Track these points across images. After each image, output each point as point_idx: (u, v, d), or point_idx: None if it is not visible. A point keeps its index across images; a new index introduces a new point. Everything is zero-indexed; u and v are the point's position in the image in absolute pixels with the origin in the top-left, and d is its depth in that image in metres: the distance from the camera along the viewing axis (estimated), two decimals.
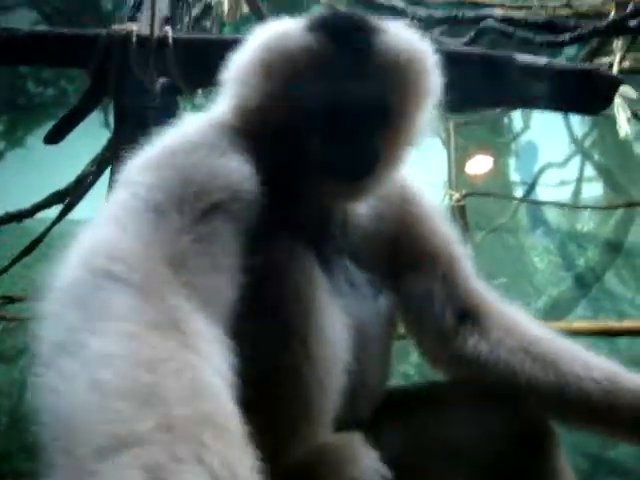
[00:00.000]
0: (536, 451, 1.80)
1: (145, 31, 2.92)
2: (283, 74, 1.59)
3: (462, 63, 2.75)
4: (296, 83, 1.58)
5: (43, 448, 0.93)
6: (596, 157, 8.32)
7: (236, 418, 1.01)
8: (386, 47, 1.60)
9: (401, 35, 1.65)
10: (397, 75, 1.62)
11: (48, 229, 4.43)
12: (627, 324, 4.73)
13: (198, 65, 2.76)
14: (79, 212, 4.25)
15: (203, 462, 0.86)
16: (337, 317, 1.51)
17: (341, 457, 1.46)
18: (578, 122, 8.07)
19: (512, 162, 8.49)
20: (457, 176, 6.43)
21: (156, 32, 2.91)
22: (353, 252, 1.77)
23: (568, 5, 4.24)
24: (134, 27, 2.91)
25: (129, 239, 1.23)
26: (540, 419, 1.82)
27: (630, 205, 7.29)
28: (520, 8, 4.19)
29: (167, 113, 2.76)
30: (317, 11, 1.84)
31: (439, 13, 4.01)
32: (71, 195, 4.00)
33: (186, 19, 3.76)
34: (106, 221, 1.30)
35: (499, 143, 8.32)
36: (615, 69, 4.02)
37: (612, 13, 4.01)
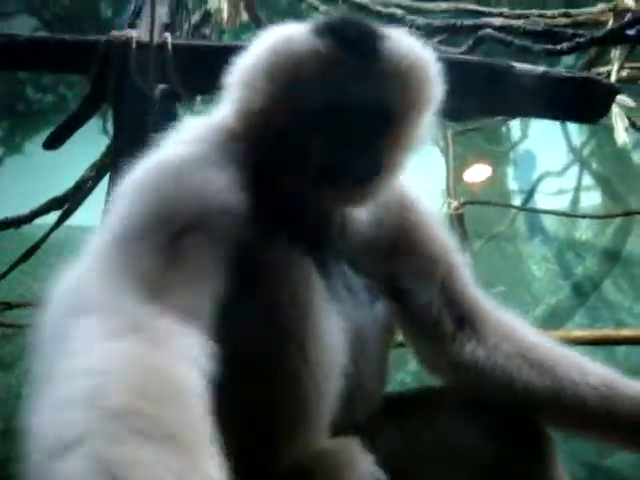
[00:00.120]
0: (533, 456, 1.80)
1: (145, 37, 2.93)
2: (288, 76, 1.60)
3: (460, 71, 2.75)
4: (301, 86, 1.59)
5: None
6: (594, 166, 8.34)
7: (189, 398, 1.06)
8: (391, 52, 1.61)
9: (405, 41, 1.67)
10: (400, 80, 1.63)
11: (46, 235, 4.44)
12: (625, 333, 4.72)
13: (197, 71, 2.77)
14: (78, 218, 4.26)
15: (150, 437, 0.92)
16: (335, 322, 1.52)
17: (338, 462, 1.46)
18: (576, 131, 8.09)
19: (510, 171, 8.50)
20: (455, 184, 6.44)
21: (155, 38, 2.92)
22: (351, 257, 1.77)
23: (566, 14, 4.24)
24: (134, 33, 2.92)
25: (101, 271, 1.30)
26: (536, 424, 1.83)
27: (628, 214, 7.30)
28: (519, 17, 4.19)
29: (166, 119, 2.77)
30: (317, 19, 1.85)
31: (437, 22, 4.02)
32: (70, 201, 4.00)
33: (185, 26, 3.77)
34: (89, 252, 1.38)
35: (497, 152, 8.33)
36: (613, 78, 4.03)
37: (610, 22, 4.03)
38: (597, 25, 4.15)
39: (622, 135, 4.13)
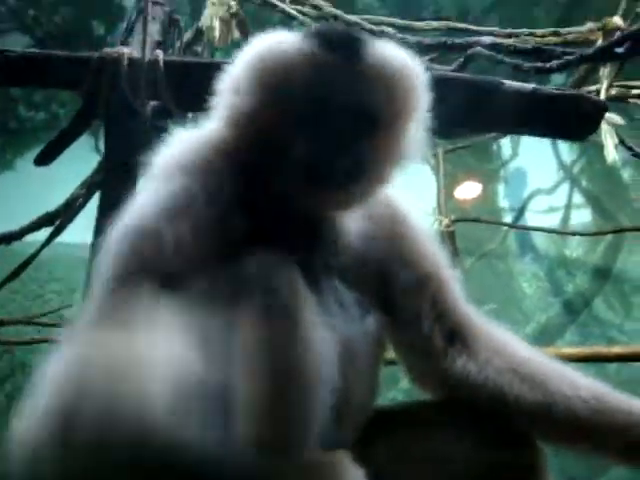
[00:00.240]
0: (523, 468, 1.80)
1: (137, 54, 2.94)
2: (276, 79, 1.63)
3: (450, 89, 2.77)
4: (288, 88, 1.62)
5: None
6: (584, 184, 8.38)
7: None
8: (376, 56, 1.65)
9: (391, 48, 1.71)
10: (385, 83, 1.65)
11: (37, 252, 4.42)
12: (616, 350, 4.72)
13: (189, 89, 2.77)
14: (68, 235, 4.24)
15: None
16: (325, 336, 1.51)
17: (327, 475, 1.46)
18: (566, 149, 8.14)
19: (501, 188, 8.54)
20: (446, 202, 6.46)
21: (147, 55, 2.93)
22: (342, 272, 1.78)
23: (556, 33, 4.27)
24: (126, 50, 2.93)
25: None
26: (526, 436, 1.82)
27: (618, 231, 7.33)
28: (509, 36, 4.22)
29: (157, 136, 2.77)
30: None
31: (428, 40, 4.05)
32: (60, 218, 3.99)
33: (178, 44, 3.79)
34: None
35: (488, 169, 8.37)
36: (602, 96, 4.05)
37: (599, 41, 4.06)
38: (586, 44, 4.18)
39: (612, 153, 4.15)
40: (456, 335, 1.90)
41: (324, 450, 1.52)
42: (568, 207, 8.16)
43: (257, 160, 1.66)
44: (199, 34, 4.29)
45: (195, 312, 1.39)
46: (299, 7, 4.47)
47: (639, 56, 3.41)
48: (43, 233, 4.40)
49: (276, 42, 1.68)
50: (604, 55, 3.42)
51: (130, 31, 3.49)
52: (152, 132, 2.80)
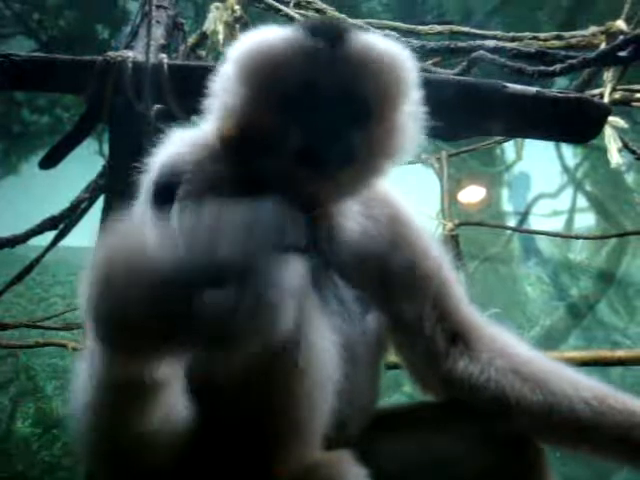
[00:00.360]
0: (523, 468, 1.80)
1: (141, 58, 2.95)
2: (263, 71, 1.67)
3: (453, 92, 2.78)
4: (275, 79, 1.66)
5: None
6: (588, 188, 8.38)
7: None
8: (361, 43, 1.68)
9: (377, 37, 1.74)
10: (371, 70, 1.68)
11: (41, 256, 4.42)
12: (620, 354, 4.70)
13: (193, 92, 2.77)
14: (72, 239, 4.25)
15: None
16: (327, 335, 1.52)
17: (330, 475, 1.46)
18: (570, 153, 8.14)
19: (505, 192, 8.54)
20: (450, 206, 6.45)
21: (152, 59, 2.93)
22: (341, 268, 1.78)
23: (559, 37, 4.27)
24: (130, 54, 2.93)
25: None
26: (528, 437, 1.82)
27: (622, 235, 7.32)
28: (512, 39, 4.22)
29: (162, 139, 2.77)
30: None
31: (432, 44, 4.05)
32: (65, 221, 3.99)
33: (182, 48, 3.79)
34: None
35: (492, 173, 8.37)
36: (606, 100, 4.05)
37: (603, 45, 4.06)
38: (590, 48, 4.18)
39: (615, 156, 4.15)
40: (458, 336, 1.91)
41: (327, 450, 1.53)
42: (572, 211, 8.16)
43: (251, 156, 1.68)
44: (203, 37, 4.29)
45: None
46: (303, 11, 4.47)
47: None
48: (47, 237, 4.41)
49: (261, 37, 1.72)
50: (607, 59, 3.42)
51: (134, 35, 3.49)
52: (156, 136, 2.80)
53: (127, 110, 2.85)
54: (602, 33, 4.22)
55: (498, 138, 5.88)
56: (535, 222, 8.13)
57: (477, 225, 6.94)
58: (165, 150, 1.77)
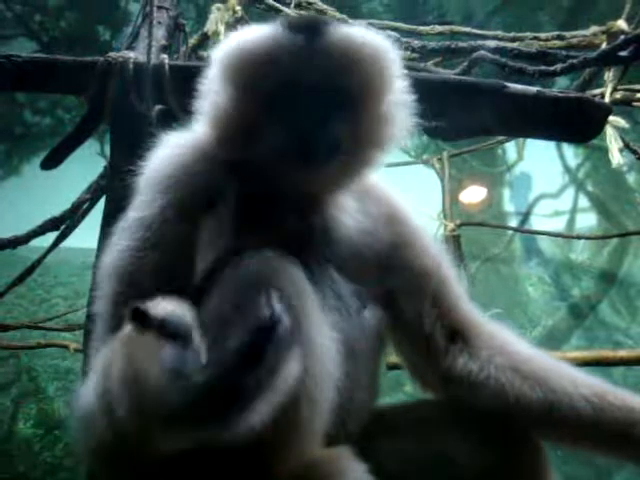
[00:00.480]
0: (524, 467, 1.80)
1: (142, 59, 2.95)
2: (246, 68, 1.69)
3: (454, 92, 2.78)
4: (258, 75, 1.68)
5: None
6: (590, 188, 8.38)
7: None
8: (341, 35, 1.70)
9: (358, 29, 1.75)
10: (351, 61, 1.69)
11: (43, 257, 4.42)
12: (622, 354, 4.71)
13: (194, 93, 2.78)
14: (74, 240, 4.25)
15: None
16: (326, 330, 1.52)
17: (330, 470, 1.47)
18: (571, 153, 8.14)
19: (506, 192, 8.54)
20: (451, 206, 6.45)
21: (153, 60, 2.94)
22: (338, 263, 1.79)
23: (560, 37, 4.27)
24: (131, 54, 2.94)
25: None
26: (528, 435, 1.83)
27: (624, 235, 7.31)
28: (513, 40, 4.22)
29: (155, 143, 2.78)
30: None
31: (433, 44, 4.05)
32: (66, 222, 3.99)
33: (183, 48, 3.79)
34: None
35: (493, 174, 8.37)
36: (607, 100, 4.05)
37: (604, 45, 4.06)
38: (591, 48, 4.18)
39: (616, 156, 4.15)
40: (457, 334, 1.91)
41: (327, 446, 1.53)
42: (573, 211, 8.16)
43: (241, 154, 1.69)
44: (205, 39, 4.30)
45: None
46: (303, 12, 4.48)
47: None
48: (49, 238, 4.41)
49: (242, 36, 1.74)
50: (608, 58, 3.42)
51: (135, 36, 3.50)
52: (157, 136, 2.80)
53: (128, 111, 2.85)
54: (603, 33, 4.22)
55: (499, 138, 5.89)
56: (536, 222, 8.13)
57: (478, 225, 6.93)
58: (157, 154, 1.80)
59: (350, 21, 4.25)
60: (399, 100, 1.78)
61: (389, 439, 1.82)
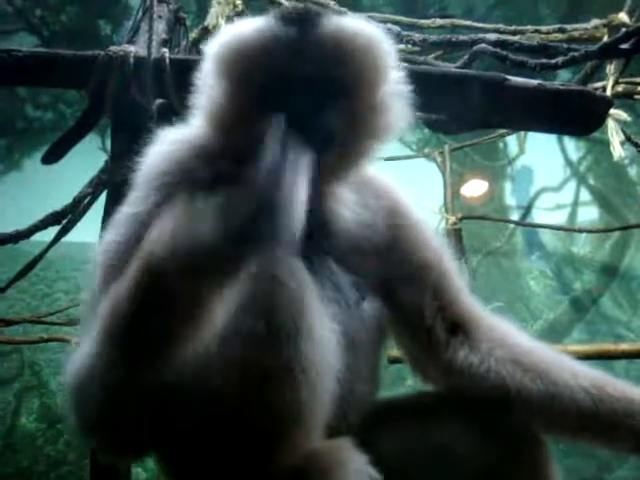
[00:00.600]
0: (524, 458, 1.80)
1: (143, 53, 2.95)
2: (240, 61, 1.69)
3: (455, 85, 2.78)
4: (252, 67, 1.68)
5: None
6: (591, 181, 8.37)
7: None
8: (334, 26, 1.69)
9: (352, 20, 1.75)
10: (343, 51, 1.69)
11: (44, 251, 4.43)
12: (624, 347, 4.73)
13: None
14: (75, 234, 4.25)
15: None
16: (326, 322, 1.53)
17: (331, 461, 1.47)
18: (573, 146, 8.14)
19: (508, 186, 8.54)
20: (453, 200, 6.45)
21: (154, 54, 2.93)
22: (337, 255, 1.79)
23: (561, 30, 4.26)
24: (132, 48, 2.93)
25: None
26: (529, 428, 1.83)
27: (626, 228, 7.31)
28: (514, 33, 4.22)
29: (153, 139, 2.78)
30: None
31: (434, 37, 4.04)
32: (67, 217, 4.00)
33: (184, 42, 3.79)
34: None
35: (495, 167, 8.37)
36: (608, 93, 4.04)
37: (605, 38, 4.05)
38: (592, 41, 4.17)
39: (618, 149, 4.14)
40: (458, 326, 1.91)
41: (329, 437, 1.54)
42: (575, 204, 8.16)
43: (237, 148, 1.69)
44: (205, 33, 4.29)
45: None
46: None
47: None
48: (50, 232, 4.41)
49: (235, 30, 1.75)
50: (609, 52, 3.40)
51: (136, 30, 3.49)
52: (157, 131, 2.80)
53: (129, 105, 2.85)
54: (604, 26, 4.21)
55: (501, 132, 5.88)
56: (538, 216, 8.14)
57: (480, 219, 6.94)
58: (153, 150, 1.80)
59: (349, 14, 4.25)
60: (394, 91, 1.78)
61: (390, 431, 1.83)
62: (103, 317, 1.44)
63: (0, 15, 7.93)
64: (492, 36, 3.76)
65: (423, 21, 4.61)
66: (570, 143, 8.05)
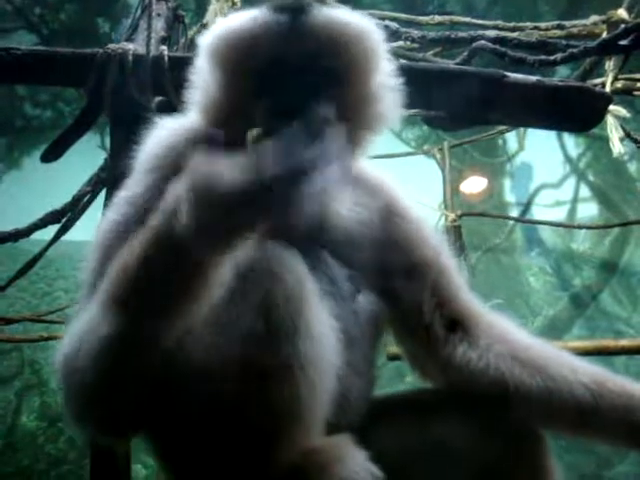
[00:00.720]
0: (524, 454, 1.80)
1: (141, 51, 2.94)
2: (233, 52, 1.72)
3: (454, 81, 2.77)
4: (244, 57, 1.71)
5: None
6: (591, 178, 8.38)
7: None
8: (324, 16, 1.72)
9: (342, 11, 1.77)
10: (334, 40, 1.71)
11: (44, 250, 4.43)
12: (623, 343, 4.73)
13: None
14: (75, 233, 4.25)
15: None
16: (325, 318, 1.53)
17: (330, 458, 1.47)
18: (572, 143, 8.14)
19: (507, 183, 8.54)
20: (452, 197, 6.46)
21: (152, 51, 2.93)
22: (332, 249, 1.79)
23: (560, 26, 4.27)
24: (130, 46, 2.93)
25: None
26: (528, 424, 1.83)
27: (625, 224, 7.32)
28: (513, 29, 4.22)
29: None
30: None
31: (432, 34, 4.04)
32: (67, 215, 4.00)
33: (182, 40, 3.78)
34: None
35: (494, 164, 8.37)
36: (607, 89, 4.04)
37: (604, 34, 4.05)
38: (591, 37, 4.17)
39: (617, 145, 4.15)
40: (457, 323, 1.92)
41: (328, 434, 1.54)
42: (575, 201, 8.16)
43: (231, 138, 1.70)
44: (204, 29, 4.29)
45: None
46: None
47: None
48: (50, 231, 4.41)
49: (228, 21, 1.78)
50: (608, 48, 3.40)
51: (135, 28, 3.48)
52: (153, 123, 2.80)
53: (128, 103, 2.85)
54: (603, 22, 4.21)
55: (500, 128, 5.88)
56: (538, 212, 8.14)
57: (479, 216, 6.94)
58: (150, 136, 1.83)
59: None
60: (386, 82, 1.80)
61: (389, 427, 1.83)
62: (112, 280, 1.45)
63: None
64: (491, 33, 3.75)
65: (422, 18, 4.61)
66: (569, 139, 8.06)
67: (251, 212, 1.27)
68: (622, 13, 4.17)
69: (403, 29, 3.96)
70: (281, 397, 1.41)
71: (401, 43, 3.95)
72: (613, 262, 7.82)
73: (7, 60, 2.82)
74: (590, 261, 7.96)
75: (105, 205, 2.99)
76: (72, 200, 3.82)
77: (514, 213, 8.28)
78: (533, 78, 2.77)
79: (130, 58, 2.85)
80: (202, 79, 1.80)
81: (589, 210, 8.13)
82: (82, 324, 1.50)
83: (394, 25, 3.89)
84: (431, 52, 4.30)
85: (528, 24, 4.32)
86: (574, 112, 2.80)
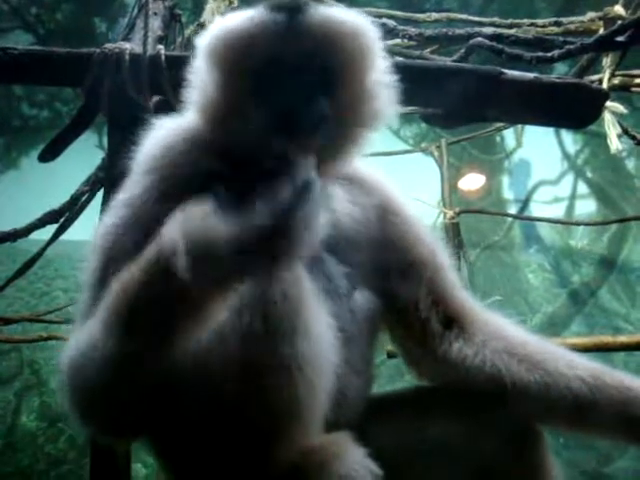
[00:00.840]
0: (522, 452, 1.81)
1: (138, 50, 2.94)
2: (229, 50, 1.72)
3: (451, 79, 2.78)
4: (241, 57, 1.70)
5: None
6: (589, 174, 8.38)
7: None
8: (321, 14, 1.72)
9: (339, 9, 1.78)
10: (330, 38, 1.71)
11: (43, 250, 4.42)
12: (622, 339, 4.74)
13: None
14: (73, 232, 4.25)
15: None
16: (323, 317, 1.53)
17: (329, 455, 1.47)
18: (570, 140, 8.14)
19: (505, 180, 8.54)
20: (450, 194, 6.46)
21: (149, 50, 2.93)
22: (328, 246, 1.79)
23: (557, 23, 4.27)
24: (127, 46, 2.93)
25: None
26: (526, 420, 1.83)
27: (623, 221, 7.32)
28: (510, 26, 4.22)
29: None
30: None
31: (429, 31, 4.04)
32: (65, 215, 3.99)
33: (179, 39, 3.78)
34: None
35: (492, 161, 8.37)
36: (605, 85, 4.05)
37: (601, 30, 4.05)
38: (588, 33, 4.18)
39: (615, 142, 4.16)
40: (453, 320, 1.92)
41: (326, 432, 1.54)
42: (573, 197, 8.16)
43: (228, 137, 1.71)
44: (201, 28, 4.28)
45: None
46: None
47: None
48: (49, 230, 4.41)
49: (225, 21, 1.77)
50: (605, 44, 3.40)
51: (132, 27, 3.48)
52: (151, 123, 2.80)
53: (125, 102, 2.85)
54: (600, 19, 4.22)
55: (498, 125, 5.89)
56: (536, 209, 8.15)
57: (478, 213, 6.95)
58: (148, 137, 1.83)
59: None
60: (381, 79, 1.80)
61: (387, 425, 1.83)
62: (113, 300, 1.45)
63: None
64: (488, 30, 3.75)
65: (419, 15, 4.62)
66: (567, 136, 8.05)
67: (250, 260, 1.29)
68: (619, 9, 4.18)
69: (400, 27, 3.96)
70: (279, 396, 1.42)
71: (398, 41, 3.95)
72: (611, 259, 7.83)
73: (4, 60, 2.82)
74: (588, 258, 7.97)
75: (103, 204, 3.00)
76: (70, 200, 3.81)
77: (512, 210, 8.28)
78: (530, 75, 2.78)
79: (127, 57, 2.85)
80: (199, 79, 1.79)
81: (587, 207, 8.13)
82: (86, 336, 1.51)
83: (391, 23, 3.89)
84: (428, 49, 4.30)
85: (525, 21, 4.32)
86: (571, 109, 2.81)
